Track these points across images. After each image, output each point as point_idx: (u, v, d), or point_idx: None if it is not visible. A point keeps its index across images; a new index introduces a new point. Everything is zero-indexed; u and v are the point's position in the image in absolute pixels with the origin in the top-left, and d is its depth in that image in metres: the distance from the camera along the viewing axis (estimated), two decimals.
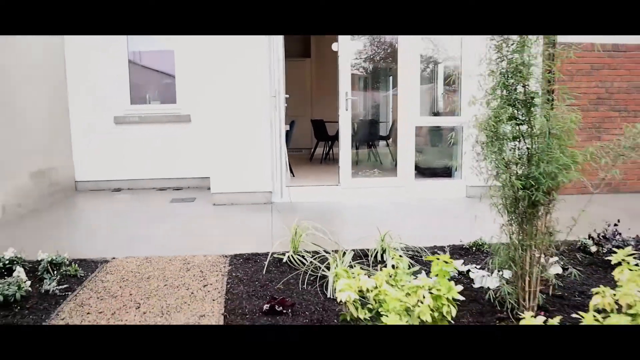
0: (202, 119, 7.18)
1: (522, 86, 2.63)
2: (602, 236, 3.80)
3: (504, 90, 2.60)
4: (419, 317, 1.87)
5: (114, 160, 7.46)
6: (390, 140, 8.80)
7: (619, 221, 4.01)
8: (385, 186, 6.41)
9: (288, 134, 7.30)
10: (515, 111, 2.61)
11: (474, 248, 4.00)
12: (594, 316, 1.92)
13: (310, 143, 10.89)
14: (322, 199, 6.24)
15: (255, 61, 5.94)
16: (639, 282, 1.98)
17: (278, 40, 5.98)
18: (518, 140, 2.63)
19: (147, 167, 7.51)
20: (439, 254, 2.61)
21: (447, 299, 1.95)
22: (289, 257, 3.74)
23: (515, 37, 2.68)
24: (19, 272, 3.20)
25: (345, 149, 6.33)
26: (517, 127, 2.61)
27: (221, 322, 2.78)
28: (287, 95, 6.26)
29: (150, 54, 7.94)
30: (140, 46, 7.70)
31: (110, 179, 7.50)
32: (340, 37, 6.26)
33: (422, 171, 6.83)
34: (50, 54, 6.83)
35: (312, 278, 3.39)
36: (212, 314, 2.90)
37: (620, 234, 3.80)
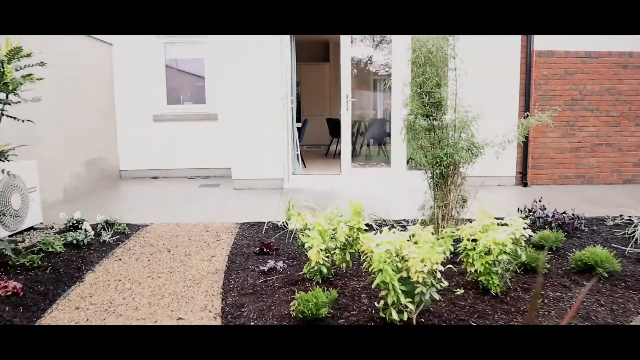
0: (226, 117, 8.44)
1: (435, 92, 3.66)
2: (529, 210, 4.80)
3: (420, 96, 3.66)
4: (337, 240, 2.99)
5: (152, 152, 8.82)
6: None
7: (540, 200, 5.01)
8: (380, 176, 7.51)
9: (301, 130, 8.48)
10: (430, 110, 3.67)
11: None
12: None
13: (328, 140, 12.04)
14: (325, 185, 7.39)
15: (269, 68, 7.14)
16: (482, 219, 3.01)
17: (287, 51, 7.16)
18: (430, 131, 3.70)
19: (180, 158, 8.83)
20: (401, 223, 3.70)
21: (358, 228, 3.05)
22: (282, 223, 4.92)
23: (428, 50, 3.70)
24: (86, 226, 4.49)
25: (346, 143, 7.45)
26: (430, 122, 3.68)
27: (225, 260, 3.97)
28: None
29: (183, 60, 9.26)
30: (175, 54, 9.04)
31: (149, 169, 8.86)
32: (342, 44, 7.39)
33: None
34: (100, 61, 8.23)
35: (296, 236, 4.55)
36: (220, 254, 4.10)
37: (544, 209, 4.78)
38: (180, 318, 2.89)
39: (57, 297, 3.20)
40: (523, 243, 2.94)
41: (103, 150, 8.15)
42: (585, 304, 2.98)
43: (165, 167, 8.87)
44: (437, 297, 2.49)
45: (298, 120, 9.35)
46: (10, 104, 3.55)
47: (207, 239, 4.63)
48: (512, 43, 7.31)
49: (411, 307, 2.40)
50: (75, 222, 4.76)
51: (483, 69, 7.28)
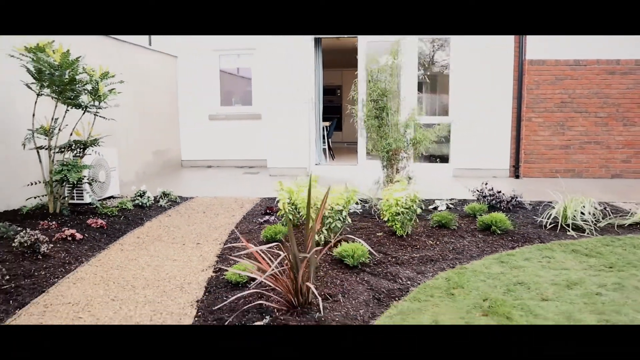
0: (265, 117, 10.28)
1: (380, 100, 5.21)
2: (479, 191, 6.16)
3: (370, 103, 5.21)
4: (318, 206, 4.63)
5: (208, 146, 10.82)
6: None
7: (486, 183, 6.35)
8: None
9: (329, 128, 10.14)
10: (378, 113, 5.22)
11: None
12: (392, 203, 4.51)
13: None
14: (341, 173, 9.01)
15: (297, 76, 8.86)
16: (391, 195, 4.53)
17: (310, 61, 8.85)
18: (379, 128, 5.24)
19: (230, 151, 10.76)
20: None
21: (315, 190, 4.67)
22: None
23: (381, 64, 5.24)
24: (148, 194, 6.41)
25: (361, 139, 9.02)
26: (379, 122, 5.23)
27: (240, 218, 5.71)
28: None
29: (236, 68, 11.20)
30: (228, 63, 11.00)
31: (205, 159, 10.87)
32: (359, 53, 8.95)
33: (425, 157, 9.31)
34: (167, 71, 10.31)
35: None
36: (238, 215, 5.86)
37: (491, 189, 6.12)
38: (198, 243, 4.66)
39: (127, 232, 5.08)
40: (418, 202, 4.45)
41: (168, 143, 10.24)
42: (467, 244, 4.44)
43: (218, 158, 10.84)
44: (339, 225, 4.09)
45: (327, 120, 11.02)
46: (101, 109, 5.52)
47: (234, 206, 6.41)
48: (505, 53, 8.57)
49: (326, 232, 4.02)
50: (141, 192, 6.71)
51: (480, 76, 8.63)
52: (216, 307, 3.07)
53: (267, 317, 2.88)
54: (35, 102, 5.23)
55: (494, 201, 5.92)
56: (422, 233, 4.76)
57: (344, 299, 3.19)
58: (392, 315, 2.94)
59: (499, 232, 4.80)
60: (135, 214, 5.79)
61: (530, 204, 6.15)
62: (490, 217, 4.86)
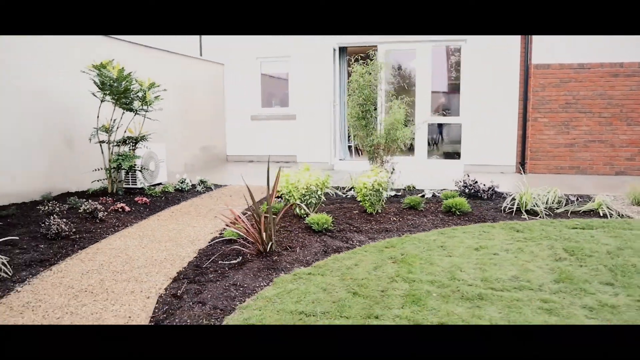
0: (297, 117, 11.66)
1: (367, 102, 6.39)
2: (463, 181, 7.18)
3: (357, 107, 6.40)
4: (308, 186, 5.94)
5: (250, 143, 12.34)
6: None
7: (468, 175, 7.34)
8: (404, 162, 10.10)
9: None
10: (365, 113, 6.41)
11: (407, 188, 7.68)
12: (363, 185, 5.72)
13: None
14: (361, 167, 10.21)
15: (322, 80, 10.16)
16: (362, 180, 5.71)
17: (336, 67, 10.11)
18: (364, 127, 6.43)
19: (269, 147, 12.23)
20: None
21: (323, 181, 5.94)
22: None
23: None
24: (188, 181, 7.95)
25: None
26: (365, 122, 6.42)
27: (256, 201, 7.09)
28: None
29: (276, 73, 12.67)
30: (268, 69, 12.47)
31: (247, 154, 12.40)
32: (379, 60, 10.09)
33: (437, 154, 10.32)
34: (215, 76, 11.92)
35: None
36: (258, 198, 7.24)
37: (476, 182, 7.12)
38: (215, 216, 6.06)
39: (164, 208, 6.58)
40: (384, 186, 5.61)
41: (214, 140, 11.85)
42: (425, 221, 5.55)
43: (259, 153, 12.35)
44: (314, 202, 5.35)
45: None
46: (148, 112, 7.09)
47: (257, 192, 7.81)
48: (512, 58, 9.43)
49: (305, 207, 5.30)
50: (182, 180, 8.27)
51: (489, 80, 9.56)
52: (209, 253, 4.45)
53: (240, 257, 4.22)
54: (99, 107, 6.86)
55: (473, 190, 6.95)
56: (392, 212, 5.93)
57: (300, 250, 4.47)
58: (327, 260, 4.19)
59: (458, 213, 5.87)
60: (174, 196, 7.32)
61: (508, 194, 7.10)
62: (453, 201, 5.94)
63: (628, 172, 9.28)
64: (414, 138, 9.45)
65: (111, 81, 6.58)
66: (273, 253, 4.33)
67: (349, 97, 6.54)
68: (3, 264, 3.89)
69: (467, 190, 7.02)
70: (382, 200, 5.75)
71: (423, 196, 6.96)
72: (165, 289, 3.63)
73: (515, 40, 9.41)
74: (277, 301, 3.32)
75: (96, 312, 3.24)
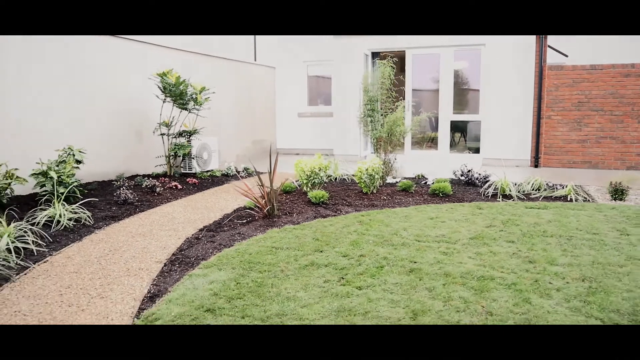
0: (334, 115, 13.21)
1: (371, 102, 7.83)
2: (462, 171, 8.43)
3: (365, 106, 7.85)
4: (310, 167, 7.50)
5: (296, 137, 14.06)
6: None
7: (466, 165, 8.56)
8: (430, 156, 11.40)
9: None
10: (370, 112, 7.85)
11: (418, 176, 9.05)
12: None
13: None
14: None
15: (352, 81, 11.67)
16: (362, 168, 7.18)
17: (364, 70, 11.58)
18: (371, 123, 7.87)
19: (314, 141, 13.88)
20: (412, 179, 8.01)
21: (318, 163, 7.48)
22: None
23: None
24: (233, 168, 9.76)
25: (408, 135, 11.51)
26: (371, 119, 7.86)
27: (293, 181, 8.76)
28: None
29: (321, 74, 14.30)
30: (315, 71, 14.12)
31: (294, 148, 14.13)
32: (407, 63, 11.45)
33: (459, 149, 11.52)
34: (267, 78, 13.73)
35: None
36: (289, 182, 8.92)
37: (469, 171, 8.35)
38: (235, 189, 7.77)
39: (209, 188, 8.38)
40: (377, 171, 7.05)
41: (265, 134, 13.67)
42: (409, 200, 6.95)
43: (304, 147, 14.03)
44: (317, 181, 6.90)
45: None
46: (199, 110, 8.95)
47: (291, 178, 9.47)
48: (527, 60, 10.47)
49: (310, 185, 6.87)
50: (229, 167, 10.09)
51: (506, 80, 10.67)
52: (230, 216, 6.15)
53: (250, 219, 5.88)
54: (162, 106, 8.79)
55: (467, 178, 8.22)
56: (385, 193, 7.37)
57: (296, 215, 6.06)
58: (312, 222, 5.74)
59: (441, 195, 7.21)
60: (220, 179, 9.13)
61: (484, 180, 8.29)
62: (438, 186, 7.29)
63: (639, 167, 10.05)
64: (434, 134, 10.73)
65: (170, 86, 8.46)
66: (274, 216, 5.96)
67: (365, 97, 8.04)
68: (88, 216, 5.79)
69: (463, 178, 8.30)
70: (376, 183, 7.21)
71: (425, 183, 8.31)
72: (192, 235, 5.36)
73: (530, 44, 10.43)
74: (262, 242, 4.95)
75: (144, 246, 5.00)
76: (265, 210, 5.92)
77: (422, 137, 12.53)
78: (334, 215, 6.12)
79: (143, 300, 3.61)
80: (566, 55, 11.53)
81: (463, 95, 11.50)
